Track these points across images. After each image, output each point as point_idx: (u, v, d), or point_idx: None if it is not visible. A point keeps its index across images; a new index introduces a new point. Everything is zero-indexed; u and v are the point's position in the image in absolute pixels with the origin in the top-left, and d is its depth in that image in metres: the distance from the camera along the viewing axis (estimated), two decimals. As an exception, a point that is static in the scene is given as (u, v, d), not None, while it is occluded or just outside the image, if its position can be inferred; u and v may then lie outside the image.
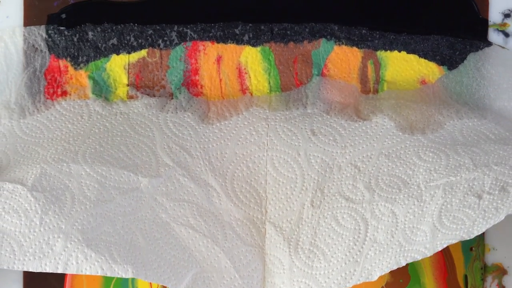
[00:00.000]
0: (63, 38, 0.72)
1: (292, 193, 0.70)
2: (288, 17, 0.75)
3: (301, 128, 0.71)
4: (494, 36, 0.73)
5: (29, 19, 0.72)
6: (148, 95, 0.73)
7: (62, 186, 0.64)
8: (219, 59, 0.74)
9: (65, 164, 0.66)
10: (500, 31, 0.74)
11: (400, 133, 0.71)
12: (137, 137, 0.70)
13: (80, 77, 0.73)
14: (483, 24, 0.74)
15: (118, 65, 0.73)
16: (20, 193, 0.62)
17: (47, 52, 0.73)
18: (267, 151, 0.72)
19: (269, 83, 0.74)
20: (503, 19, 0.74)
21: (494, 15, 0.74)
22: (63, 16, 0.73)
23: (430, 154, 0.68)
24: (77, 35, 0.73)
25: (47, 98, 0.72)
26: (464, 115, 0.72)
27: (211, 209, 0.69)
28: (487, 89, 0.74)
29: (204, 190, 0.70)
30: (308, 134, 0.71)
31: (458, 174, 0.65)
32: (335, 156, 0.71)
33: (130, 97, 0.73)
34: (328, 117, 0.72)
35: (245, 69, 0.74)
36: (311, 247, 0.68)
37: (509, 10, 0.74)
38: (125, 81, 0.73)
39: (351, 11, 0.76)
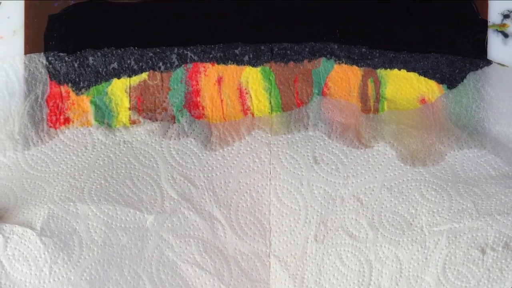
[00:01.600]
0: (64, 64, 0.73)
1: (296, 226, 0.71)
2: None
3: (303, 155, 0.71)
4: (493, 36, 0.74)
5: (30, 20, 0.72)
6: (150, 118, 0.73)
7: (69, 229, 0.64)
8: (220, 80, 0.75)
9: (72, 204, 0.66)
10: (500, 31, 0.74)
11: (402, 164, 0.71)
12: (141, 168, 0.70)
13: (82, 102, 0.73)
14: (482, 25, 0.75)
15: (119, 89, 0.74)
16: (30, 238, 0.62)
17: (48, 79, 0.73)
18: (270, 180, 0.72)
19: (270, 102, 0.75)
20: (502, 20, 0.75)
21: (494, 15, 0.75)
22: (64, 17, 0.73)
23: (433, 193, 0.69)
24: (78, 60, 0.73)
25: (50, 127, 0.72)
26: (464, 144, 0.72)
27: (217, 244, 0.70)
28: (486, 112, 0.74)
29: (209, 224, 0.70)
30: (310, 162, 0.71)
31: (461, 221, 0.66)
32: (337, 187, 0.71)
33: (133, 122, 0.72)
34: (330, 141, 0.72)
35: (246, 89, 0.75)
36: (316, 286, 0.68)
37: (508, 11, 0.75)
38: (127, 104, 0.73)
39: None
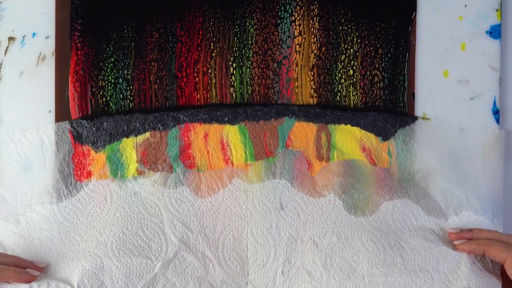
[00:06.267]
0: (84, 128, 0.79)
1: (267, 261, 0.77)
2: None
3: (272, 201, 0.78)
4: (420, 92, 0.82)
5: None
6: (153, 168, 0.79)
7: (98, 283, 0.72)
8: (206, 136, 0.80)
9: (99, 260, 0.73)
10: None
11: (347, 213, 0.78)
12: (149, 217, 0.77)
13: (100, 158, 0.79)
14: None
15: (128, 146, 0.79)
16: None
17: (72, 141, 0.79)
18: (247, 222, 0.78)
19: (246, 153, 0.80)
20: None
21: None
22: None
23: (371, 244, 0.76)
24: (95, 125, 0.79)
25: (77, 180, 0.78)
26: (394, 195, 0.79)
27: (208, 278, 0.76)
28: (411, 162, 0.81)
29: (202, 262, 0.76)
30: (277, 208, 0.78)
31: (393, 275, 0.74)
32: (298, 230, 0.77)
33: (140, 173, 0.79)
34: (293, 189, 0.78)
35: (226, 142, 0.80)
36: None
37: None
38: (135, 158, 0.79)
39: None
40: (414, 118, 0.82)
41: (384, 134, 0.81)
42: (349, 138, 0.82)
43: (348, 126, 0.81)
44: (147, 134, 0.80)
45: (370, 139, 0.82)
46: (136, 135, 0.80)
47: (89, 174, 0.80)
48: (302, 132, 0.81)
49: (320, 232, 0.77)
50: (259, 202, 0.78)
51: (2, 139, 0.79)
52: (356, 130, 0.81)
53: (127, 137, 0.80)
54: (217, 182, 0.79)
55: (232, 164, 0.80)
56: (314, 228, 0.77)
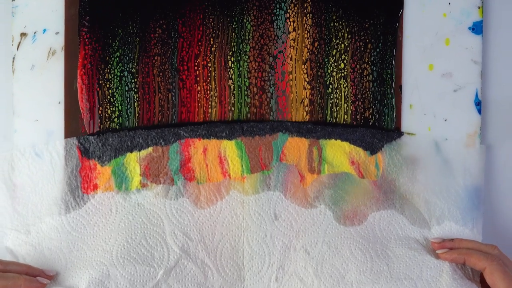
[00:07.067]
0: (91, 144, 0.80)
1: (262, 268, 0.78)
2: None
3: (267, 211, 0.79)
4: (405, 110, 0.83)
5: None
6: (155, 181, 0.79)
7: None
8: (205, 151, 0.81)
9: (105, 268, 0.74)
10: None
11: (337, 223, 0.78)
12: (151, 227, 0.77)
13: (106, 172, 0.80)
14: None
15: (132, 160, 0.80)
16: None
17: (80, 156, 0.80)
18: (243, 231, 0.78)
19: (242, 166, 0.81)
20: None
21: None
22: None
23: (359, 252, 0.77)
24: (101, 141, 0.80)
25: (84, 193, 0.79)
26: (380, 206, 0.80)
27: (207, 285, 0.76)
28: (397, 174, 0.82)
29: (201, 269, 0.76)
30: (272, 218, 0.78)
31: (379, 282, 0.75)
32: (291, 239, 0.78)
33: (143, 186, 0.79)
34: (286, 200, 0.79)
35: (224, 157, 0.81)
36: None
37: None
38: (138, 171, 0.80)
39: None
40: (400, 134, 0.83)
41: (372, 149, 0.83)
42: (339, 152, 0.83)
43: (338, 141, 0.82)
44: (150, 149, 0.81)
45: (359, 153, 0.82)
46: (139, 150, 0.81)
47: (95, 187, 0.81)
48: (295, 147, 0.82)
49: (312, 241, 0.78)
50: (255, 213, 0.79)
51: (14, 154, 0.81)
52: (346, 144, 0.82)
53: (131, 152, 0.81)
54: (215, 194, 0.80)
55: (230, 177, 0.81)
56: (306, 237, 0.78)
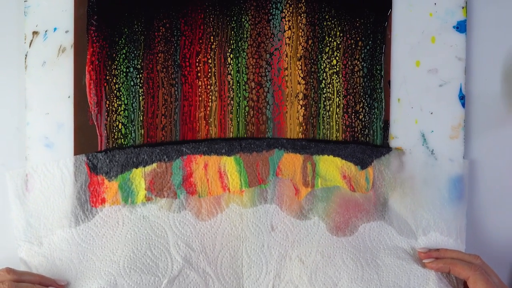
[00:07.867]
0: (99, 161, 0.81)
1: (260, 276, 0.79)
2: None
3: (264, 223, 0.80)
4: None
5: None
6: (159, 195, 0.81)
7: None
8: (206, 166, 0.83)
9: (112, 277, 0.75)
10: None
11: (330, 234, 0.79)
12: (156, 238, 0.79)
13: (113, 187, 0.81)
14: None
15: (138, 175, 0.82)
16: None
17: (88, 171, 0.82)
18: (242, 242, 0.80)
19: (241, 181, 0.83)
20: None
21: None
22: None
23: (351, 261, 0.78)
24: (108, 158, 0.82)
25: (92, 206, 0.80)
26: (370, 217, 0.81)
27: None
28: (386, 188, 0.84)
29: (203, 278, 0.78)
30: (269, 229, 0.80)
31: None
32: (287, 249, 0.79)
33: (148, 199, 0.81)
34: (282, 213, 0.80)
35: (224, 172, 0.82)
36: None
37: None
38: (143, 186, 0.82)
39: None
40: (389, 149, 0.85)
41: (362, 164, 0.85)
42: (332, 167, 0.84)
43: (331, 157, 0.84)
44: (154, 165, 0.83)
45: (350, 168, 0.84)
46: (144, 166, 0.83)
47: (103, 201, 0.83)
48: (290, 162, 0.84)
49: (306, 251, 0.80)
50: (253, 224, 0.81)
51: (27, 171, 0.82)
52: (338, 160, 0.84)
53: (137, 167, 0.83)
54: (215, 207, 0.82)
55: (229, 191, 0.83)
56: (300, 247, 0.80)
